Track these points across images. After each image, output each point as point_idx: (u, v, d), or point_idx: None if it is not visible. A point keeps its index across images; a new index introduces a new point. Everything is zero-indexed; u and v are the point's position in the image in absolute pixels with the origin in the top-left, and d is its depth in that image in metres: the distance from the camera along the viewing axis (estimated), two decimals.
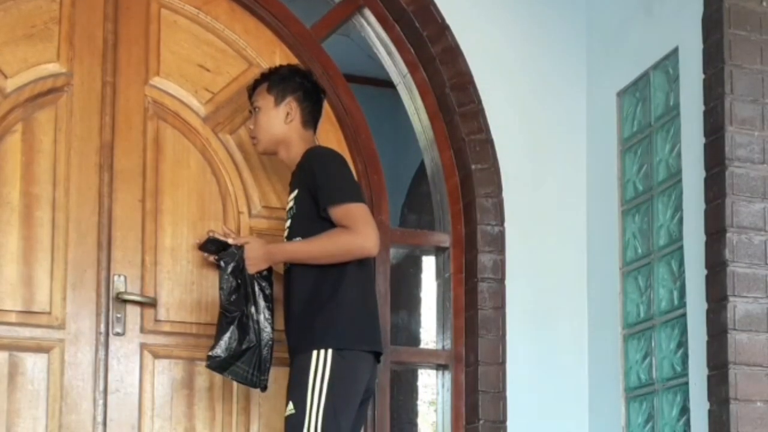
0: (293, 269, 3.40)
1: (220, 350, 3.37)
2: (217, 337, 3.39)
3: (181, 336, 3.71)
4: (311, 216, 3.35)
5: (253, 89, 3.61)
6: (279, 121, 3.53)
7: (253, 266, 3.41)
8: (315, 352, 3.25)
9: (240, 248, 3.41)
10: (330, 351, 3.25)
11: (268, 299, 3.44)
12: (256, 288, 3.42)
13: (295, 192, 3.42)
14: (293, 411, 3.25)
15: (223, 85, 3.86)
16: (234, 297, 3.38)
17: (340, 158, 3.45)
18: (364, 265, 3.39)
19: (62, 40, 3.70)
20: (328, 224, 3.33)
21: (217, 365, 3.39)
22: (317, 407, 3.22)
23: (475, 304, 3.99)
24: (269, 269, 3.48)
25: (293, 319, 3.37)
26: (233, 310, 3.38)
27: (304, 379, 3.25)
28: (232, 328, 3.38)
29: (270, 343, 3.43)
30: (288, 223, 3.46)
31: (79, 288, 3.61)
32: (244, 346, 3.38)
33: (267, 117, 3.53)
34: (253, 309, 3.40)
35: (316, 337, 3.28)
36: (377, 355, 3.40)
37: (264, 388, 3.46)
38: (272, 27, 3.97)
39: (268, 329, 3.43)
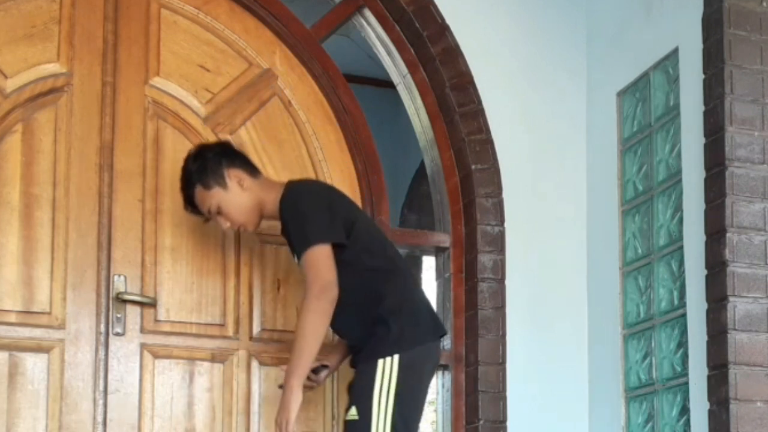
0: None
1: None
2: None
3: (181, 336, 3.70)
4: None
5: (191, 205, 3.43)
6: (239, 195, 3.37)
7: (288, 414, 3.16)
8: (381, 361, 3.15)
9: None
10: (396, 357, 3.15)
11: None
12: None
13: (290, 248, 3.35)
14: (356, 417, 3.14)
15: (223, 85, 3.86)
16: None
17: (302, 195, 3.31)
18: (378, 258, 3.29)
19: (62, 40, 3.70)
20: (339, 263, 3.20)
21: None
22: (384, 415, 3.12)
23: (475, 304, 3.99)
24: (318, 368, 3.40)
25: (351, 323, 3.27)
26: None
27: (369, 384, 3.14)
28: None
29: None
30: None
31: (79, 288, 3.60)
32: None
33: (229, 203, 3.37)
34: None
35: (382, 345, 3.16)
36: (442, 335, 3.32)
37: None
38: (272, 27, 3.96)
39: None
